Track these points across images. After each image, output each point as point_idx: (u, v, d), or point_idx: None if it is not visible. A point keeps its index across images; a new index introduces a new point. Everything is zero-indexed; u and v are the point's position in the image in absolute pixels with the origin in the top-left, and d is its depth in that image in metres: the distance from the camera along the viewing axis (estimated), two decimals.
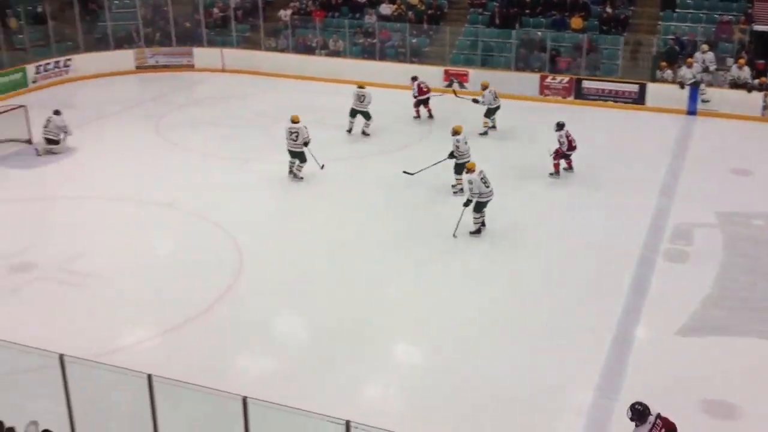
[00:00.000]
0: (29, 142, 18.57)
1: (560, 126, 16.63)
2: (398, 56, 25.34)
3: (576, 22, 24.64)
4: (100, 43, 26.16)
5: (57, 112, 18.32)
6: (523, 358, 10.67)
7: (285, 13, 27.09)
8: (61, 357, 8.10)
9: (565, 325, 11.46)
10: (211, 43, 26.99)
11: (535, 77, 23.61)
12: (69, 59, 25.02)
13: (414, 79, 21.23)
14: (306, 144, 16.47)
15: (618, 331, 11.27)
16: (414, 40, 25.49)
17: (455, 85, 23.34)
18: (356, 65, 23.10)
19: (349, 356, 10.77)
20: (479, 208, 14.17)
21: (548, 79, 23.52)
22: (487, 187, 14.07)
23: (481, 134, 19.57)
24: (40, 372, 8.70)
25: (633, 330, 11.41)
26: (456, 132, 15.98)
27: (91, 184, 16.47)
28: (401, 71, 23.96)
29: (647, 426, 7.91)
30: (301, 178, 16.69)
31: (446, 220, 14.41)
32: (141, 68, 26.20)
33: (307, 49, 26.30)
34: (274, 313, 12.06)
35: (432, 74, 23.38)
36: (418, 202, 15.68)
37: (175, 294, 12.22)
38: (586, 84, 23.19)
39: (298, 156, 16.56)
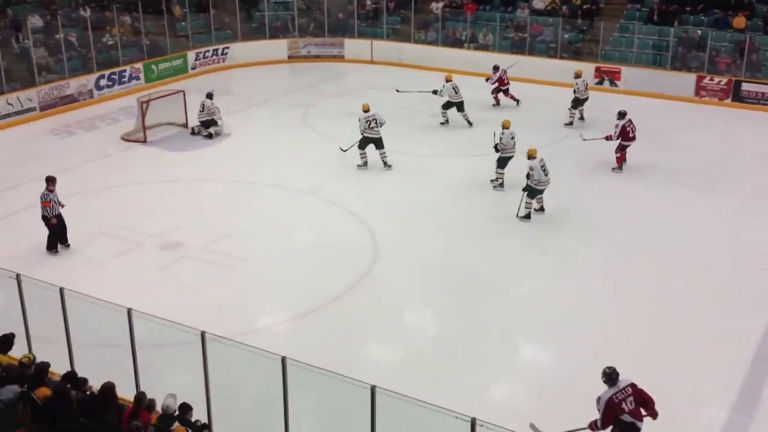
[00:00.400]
0: (185, 126, 19.51)
1: (622, 115, 16.40)
2: (548, 51, 24.83)
3: (739, 21, 23.33)
4: (256, 33, 27.06)
5: (209, 96, 19.13)
6: (656, 366, 10.25)
7: (437, 6, 27.11)
8: (203, 334, 8.42)
9: (701, 336, 11.00)
10: (362, 35, 27.37)
11: (691, 77, 22.58)
12: (227, 47, 26.07)
13: (496, 68, 21.61)
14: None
15: (760, 346, 10.71)
16: (566, 36, 24.90)
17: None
18: (504, 59, 22.77)
19: (478, 353, 10.71)
20: (533, 194, 14.26)
21: (705, 80, 22.40)
22: (546, 175, 14.20)
23: (566, 124, 19.98)
24: (181, 347, 9.11)
25: None
26: (504, 126, 15.96)
27: (238, 170, 17.12)
28: (551, 66, 23.57)
29: (614, 389, 8.28)
30: (390, 165, 16.97)
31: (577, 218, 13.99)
32: (293, 58, 26.94)
33: (456, 42, 26.23)
34: (407, 304, 12.14)
35: (583, 70, 22.65)
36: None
37: (310, 279, 12.54)
38: (745, 87, 21.96)
39: (375, 142, 16.90)
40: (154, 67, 23.88)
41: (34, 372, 8.05)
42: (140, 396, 8.13)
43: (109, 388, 7.98)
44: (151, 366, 9.19)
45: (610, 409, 8.24)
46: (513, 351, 11.06)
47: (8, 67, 20.50)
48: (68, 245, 13.31)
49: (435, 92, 20.13)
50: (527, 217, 14.36)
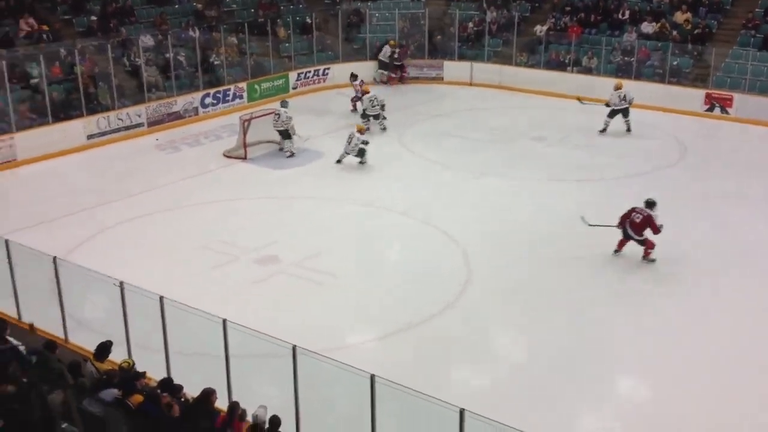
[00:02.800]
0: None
1: (650, 205, 13.66)
2: (655, 76, 24.25)
3: None
4: (357, 54, 27.49)
5: (284, 104, 19.47)
6: (751, 405, 9.81)
7: (541, 29, 26.88)
8: (294, 348, 8.55)
9: None
10: (462, 57, 27.40)
11: None
12: (327, 68, 26.56)
13: (354, 77, 23.18)
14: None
15: None
16: (675, 61, 24.23)
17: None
18: (608, 83, 22.34)
19: (569, 384, 10.46)
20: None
21: None
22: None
23: (600, 131, 20.76)
24: (273, 360, 9.24)
25: None
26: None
27: (332, 188, 17.33)
28: (657, 92, 23.11)
29: (639, 208, 13.40)
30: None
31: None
32: (394, 79, 27.17)
33: (559, 65, 25.93)
34: (498, 329, 12.01)
35: (692, 96, 22.22)
36: None
37: (401, 299, 12.54)
38: None
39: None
40: (257, 86, 24.54)
41: (130, 379, 8.31)
42: (234, 405, 8.28)
43: (209, 394, 8.16)
44: (243, 377, 9.35)
45: (625, 215, 13.42)
46: (606, 383, 10.72)
47: (120, 84, 21.40)
48: None
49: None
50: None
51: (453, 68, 27.10)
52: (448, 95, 25.70)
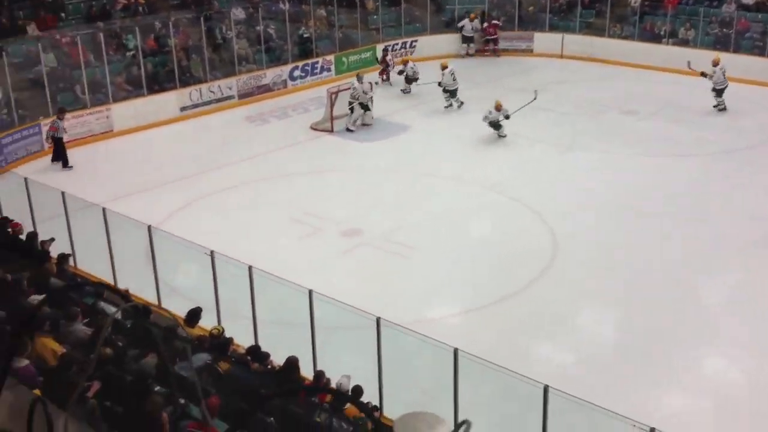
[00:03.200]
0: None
1: None
2: (754, 49, 23.24)
3: None
4: (445, 26, 27.23)
5: (359, 79, 19.56)
6: None
7: None
8: (378, 320, 8.66)
9: None
10: (553, 28, 26.81)
11: None
12: (415, 40, 26.41)
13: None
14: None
15: None
16: None
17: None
18: (705, 56, 21.54)
19: (658, 361, 10.29)
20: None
21: None
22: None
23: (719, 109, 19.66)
24: (357, 331, 9.37)
25: None
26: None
27: (418, 161, 17.31)
28: (757, 65, 22.19)
29: None
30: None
31: None
32: (480, 52, 26.85)
33: (654, 37, 25.10)
34: (584, 305, 11.88)
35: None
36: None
37: (486, 274, 12.50)
38: None
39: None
40: (344, 59, 24.63)
41: (220, 345, 8.56)
42: (319, 374, 8.45)
43: (293, 362, 8.34)
44: (328, 346, 9.53)
45: None
46: (699, 363, 10.53)
47: (212, 57, 21.85)
48: (69, 166, 16.81)
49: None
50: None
51: (543, 40, 26.54)
52: (537, 68, 25.23)
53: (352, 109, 19.32)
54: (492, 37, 26.41)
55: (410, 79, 22.08)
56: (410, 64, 22.35)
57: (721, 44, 23.66)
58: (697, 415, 9.41)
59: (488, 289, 11.98)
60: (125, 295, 9.19)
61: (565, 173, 16.45)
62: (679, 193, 15.19)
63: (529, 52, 26.68)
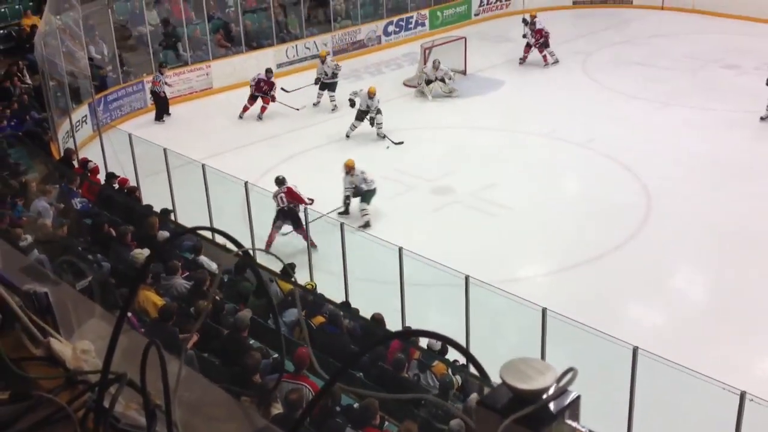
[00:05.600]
0: (464, 73, 19.84)
1: None
2: None
3: None
4: None
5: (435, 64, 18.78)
6: None
7: None
8: (467, 278, 8.78)
9: None
10: None
11: None
12: None
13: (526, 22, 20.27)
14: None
15: None
16: None
17: None
18: None
19: (751, 324, 10.10)
20: None
21: None
22: None
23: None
24: (446, 288, 9.53)
25: None
26: None
27: (511, 118, 17.17)
28: None
29: None
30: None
31: None
32: (578, 4, 26.18)
33: None
34: (677, 267, 11.76)
35: None
36: None
37: (577, 233, 12.41)
38: None
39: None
40: (439, 13, 24.43)
41: (313, 301, 8.87)
42: (406, 330, 8.65)
43: (378, 319, 8.58)
44: (417, 304, 9.70)
45: None
46: None
47: (308, 13, 22.03)
48: (169, 114, 17.66)
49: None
50: None
51: None
52: (636, 20, 24.45)
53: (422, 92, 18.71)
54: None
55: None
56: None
57: None
58: None
59: (579, 249, 11.91)
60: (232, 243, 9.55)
61: (661, 131, 16.03)
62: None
63: (628, 3, 25.84)
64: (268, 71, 17.98)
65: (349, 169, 12.88)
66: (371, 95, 16.12)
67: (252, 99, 17.65)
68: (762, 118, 16.21)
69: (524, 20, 20.37)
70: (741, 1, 23.50)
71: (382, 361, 7.86)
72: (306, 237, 11.19)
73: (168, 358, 1.44)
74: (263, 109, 17.62)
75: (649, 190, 13.51)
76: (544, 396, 1.30)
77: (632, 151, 14.99)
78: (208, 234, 9.82)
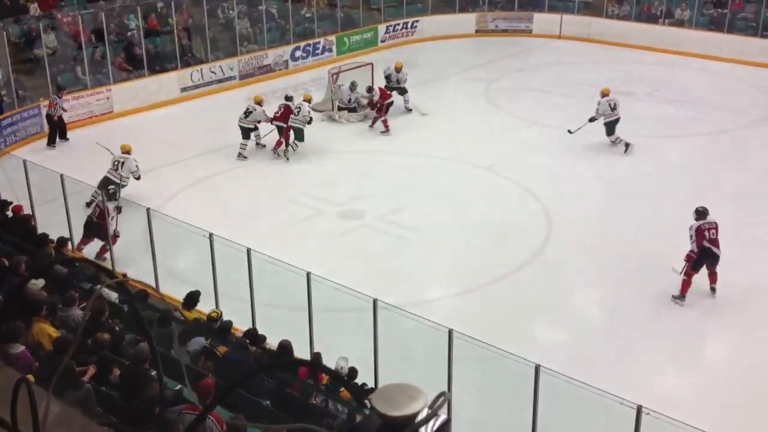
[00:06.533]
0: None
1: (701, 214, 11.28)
2: (748, 30, 23.35)
3: None
4: (445, 6, 27.18)
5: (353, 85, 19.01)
6: None
7: None
8: (375, 301, 8.80)
9: None
10: (552, 9, 26.81)
11: None
12: (416, 21, 26.38)
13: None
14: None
15: None
16: None
17: None
18: (700, 36, 21.70)
19: (645, 341, 10.48)
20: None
21: None
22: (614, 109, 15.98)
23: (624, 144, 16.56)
24: (354, 313, 9.52)
25: None
26: (604, 94, 16.27)
27: (418, 143, 17.37)
28: (750, 46, 22.46)
29: (703, 221, 10.91)
30: (245, 157, 16.39)
31: None
32: (480, 32, 26.84)
33: (650, 18, 25.13)
34: (578, 287, 12.07)
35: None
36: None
37: (482, 255, 12.65)
38: None
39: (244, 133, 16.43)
40: (346, 39, 24.64)
41: (218, 329, 8.69)
42: (316, 356, 8.59)
43: (286, 346, 8.48)
44: (325, 328, 9.67)
45: (699, 235, 10.86)
46: (688, 343, 10.69)
47: (213, 37, 21.85)
48: (67, 139, 17.10)
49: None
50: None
51: (542, 20, 26.54)
52: (536, 48, 25.26)
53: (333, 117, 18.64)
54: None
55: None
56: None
57: (715, 25, 23.76)
58: (685, 394, 9.62)
59: (485, 270, 12.13)
60: (119, 282, 9.25)
61: (561, 154, 16.54)
62: (673, 174, 15.32)
63: (528, 32, 26.67)
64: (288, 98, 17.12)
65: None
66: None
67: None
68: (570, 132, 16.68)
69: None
70: (632, 31, 24.65)
71: (289, 389, 7.76)
72: None
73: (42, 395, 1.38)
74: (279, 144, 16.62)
75: (549, 211, 13.90)
76: (415, 421, 1.30)
77: (535, 174, 15.40)
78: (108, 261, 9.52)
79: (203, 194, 14.92)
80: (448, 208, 14.34)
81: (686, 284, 11.05)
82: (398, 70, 19.02)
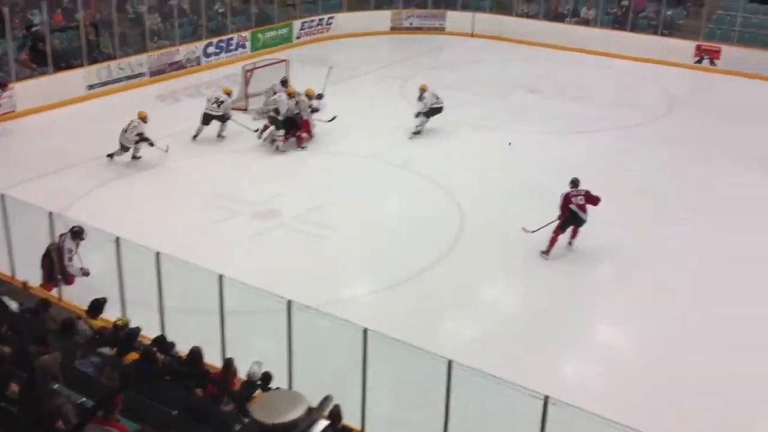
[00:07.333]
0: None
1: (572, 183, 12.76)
2: (649, 28, 24.23)
3: None
4: (361, 3, 27.18)
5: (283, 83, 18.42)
6: (723, 349, 10.36)
7: None
8: (289, 303, 8.71)
9: None
10: (465, 7, 27.15)
11: None
12: (332, 17, 26.32)
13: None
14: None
15: None
16: (669, 12, 24.23)
17: None
18: (604, 35, 22.50)
19: (559, 333, 10.76)
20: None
21: None
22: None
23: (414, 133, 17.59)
24: (269, 315, 9.42)
25: None
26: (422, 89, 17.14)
27: (334, 141, 17.32)
28: (651, 43, 23.49)
29: (573, 190, 12.42)
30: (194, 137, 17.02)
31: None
32: (395, 29, 26.97)
33: (558, 17, 25.75)
34: (491, 280, 12.35)
35: (683, 48, 22.45)
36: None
37: (398, 252, 12.75)
38: None
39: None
40: (260, 35, 24.38)
41: (125, 337, 8.45)
42: (228, 362, 8.45)
43: (196, 353, 8.32)
44: (239, 332, 9.55)
45: (566, 201, 12.27)
46: (595, 332, 11.14)
47: (122, 32, 21.27)
48: None
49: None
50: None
51: (455, 18, 26.89)
52: (449, 46, 25.56)
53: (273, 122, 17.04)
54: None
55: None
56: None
57: (619, 23, 24.58)
58: (591, 384, 9.90)
59: (400, 267, 12.22)
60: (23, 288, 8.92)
61: (475, 151, 16.84)
62: (579, 170, 15.60)
63: (441, 30, 26.95)
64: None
65: None
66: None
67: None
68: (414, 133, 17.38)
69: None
70: (541, 29, 25.24)
71: (197, 396, 7.61)
72: None
73: None
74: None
75: (462, 208, 14.11)
76: (295, 428, 1.29)
77: (448, 171, 15.62)
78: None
79: (111, 196, 14.52)
80: (364, 206, 14.38)
81: (553, 241, 12.49)
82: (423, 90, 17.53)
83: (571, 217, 12.45)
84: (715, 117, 19.29)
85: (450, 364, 7.73)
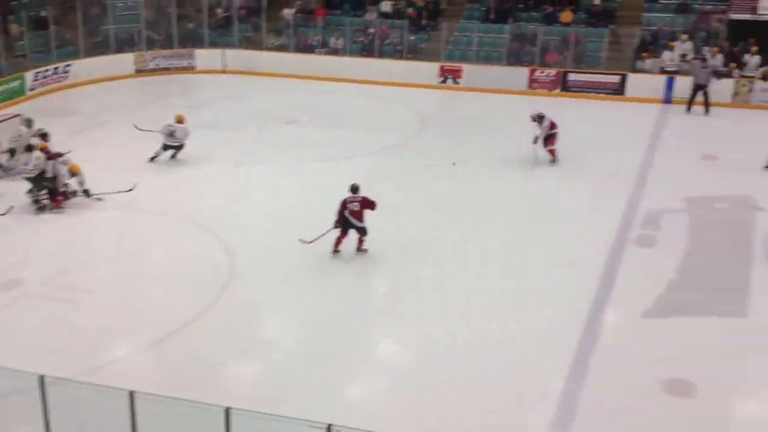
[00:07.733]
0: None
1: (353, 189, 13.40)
2: (396, 53, 25.45)
3: (566, 15, 25.30)
4: (100, 48, 26.15)
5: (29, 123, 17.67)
6: (495, 344, 10.88)
7: (288, 12, 27.14)
8: (41, 378, 8.02)
9: (536, 309, 11.77)
10: (213, 44, 27.04)
11: (524, 71, 24.12)
12: (68, 65, 24.98)
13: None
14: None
15: (587, 316, 11.58)
16: (412, 37, 25.60)
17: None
18: (354, 63, 23.34)
19: (338, 358, 10.71)
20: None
21: (536, 73, 23.95)
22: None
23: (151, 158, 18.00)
24: (23, 394, 8.58)
25: (601, 314, 11.74)
26: (179, 121, 17.54)
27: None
28: (398, 68, 24.74)
29: (350, 196, 13.01)
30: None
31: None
32: (141, 72, 26.17)
33: (308, 48, 26.31)
34: (264, 317, 12.06)
35: (428, 70, 23.83)
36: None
37: (163, 304, 12.13)
38: (571, 76, 23.77)
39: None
40: None
41: None
42: None
43: None
44: None
45: (342, 206, 12.95)
46: (374, 351, 11.20)
47: None
48: None
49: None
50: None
51: (205, 56, 26.69)
52: (200, 84, 25.26)
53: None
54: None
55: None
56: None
57: (367, 51, 25.60)
58: (374, 405, 9.89)
59: (169, 318, 11.61)
60: None
61: (239, 188, 16.65)
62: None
63: (191, 69, 26.58)
64: None
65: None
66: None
67: None
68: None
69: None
70: (292, 61, 25.78)
71: None
72: None
73: None
74: None
75: (230, 246, 13.75)
76: None
77: (212, 212, 15.20)
78: None
79: None
80: (122, 260, 13.50)
81: (338, 240, 13.26)
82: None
83: (345, 222, 13.11)
84: (461, 129, 20.57)
85: (227, 411, 7.45)
